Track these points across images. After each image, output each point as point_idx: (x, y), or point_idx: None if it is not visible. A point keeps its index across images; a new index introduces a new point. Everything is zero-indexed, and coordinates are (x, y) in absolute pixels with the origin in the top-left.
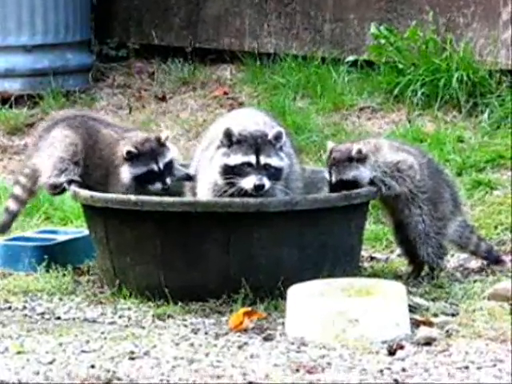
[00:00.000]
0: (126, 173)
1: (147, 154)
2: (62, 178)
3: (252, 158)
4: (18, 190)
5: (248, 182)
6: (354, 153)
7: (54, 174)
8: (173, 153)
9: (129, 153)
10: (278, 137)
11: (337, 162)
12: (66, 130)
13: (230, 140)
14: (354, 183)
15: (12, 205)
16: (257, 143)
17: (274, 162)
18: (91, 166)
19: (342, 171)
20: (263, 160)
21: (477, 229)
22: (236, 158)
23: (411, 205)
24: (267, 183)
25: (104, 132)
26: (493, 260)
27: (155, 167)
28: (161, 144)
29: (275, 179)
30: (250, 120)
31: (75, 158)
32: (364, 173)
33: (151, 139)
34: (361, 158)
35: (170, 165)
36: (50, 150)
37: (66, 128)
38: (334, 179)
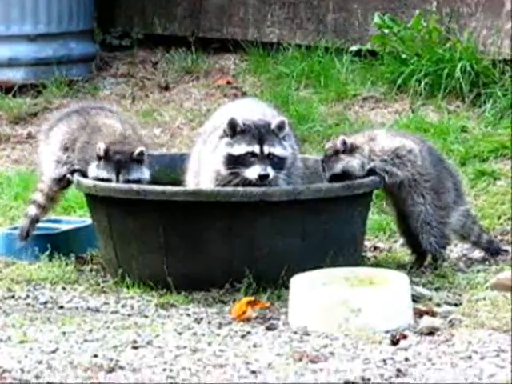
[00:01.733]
0: (91, 172)
1: (111, 163)
2: (61, 169)
3: (256, 148)
4: (36, 196)
5: (252, 172)
6: (338, 145)
7: (52, 168)
8: (141, 173)
9: (99, 150)
10: (280, 126)
11: (327, 158)
12: (62, 125)
13: (234, 130)
14: (347, 175)
15: (31, 209)
16: (260, 133)
17: (277, 151)
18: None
19: (331, 166)
20: (267, 149)
21: (479, 219)
22: (240, 148)
23: (414, 193)
24: (271, 172)
25: (118, 126)
26: (493, 252)
27: (114, 179)
28: (132, 159)
29: (279, 168)
30: (253, 110)
31: (69, 146)
32: (352, 162)
33: (124, 152)
34: (347, 150)
35: (133, 182)
36: (47, 147)
37: (62, 123)
38: (327, 175)
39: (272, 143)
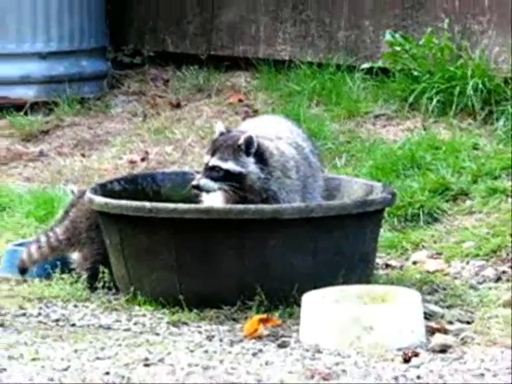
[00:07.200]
0: None
1: None
2: None
3: (206, 159)
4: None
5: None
6: None
7: None
8: None
9: None
10: (248, 142)
11: None
12: None
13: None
14: None
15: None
16: (215, 146)
17: (227, 165)
18: None
19: None
20: (213, 162)
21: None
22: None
23: None
24: (204, 183)
25: None
26: None
27: None
28: None
29: (228, 180)
30: (281, 128)
31: None
32: None
33: None
34: None
35: None
36: None
37: None
38: None
39: (223, 157)
